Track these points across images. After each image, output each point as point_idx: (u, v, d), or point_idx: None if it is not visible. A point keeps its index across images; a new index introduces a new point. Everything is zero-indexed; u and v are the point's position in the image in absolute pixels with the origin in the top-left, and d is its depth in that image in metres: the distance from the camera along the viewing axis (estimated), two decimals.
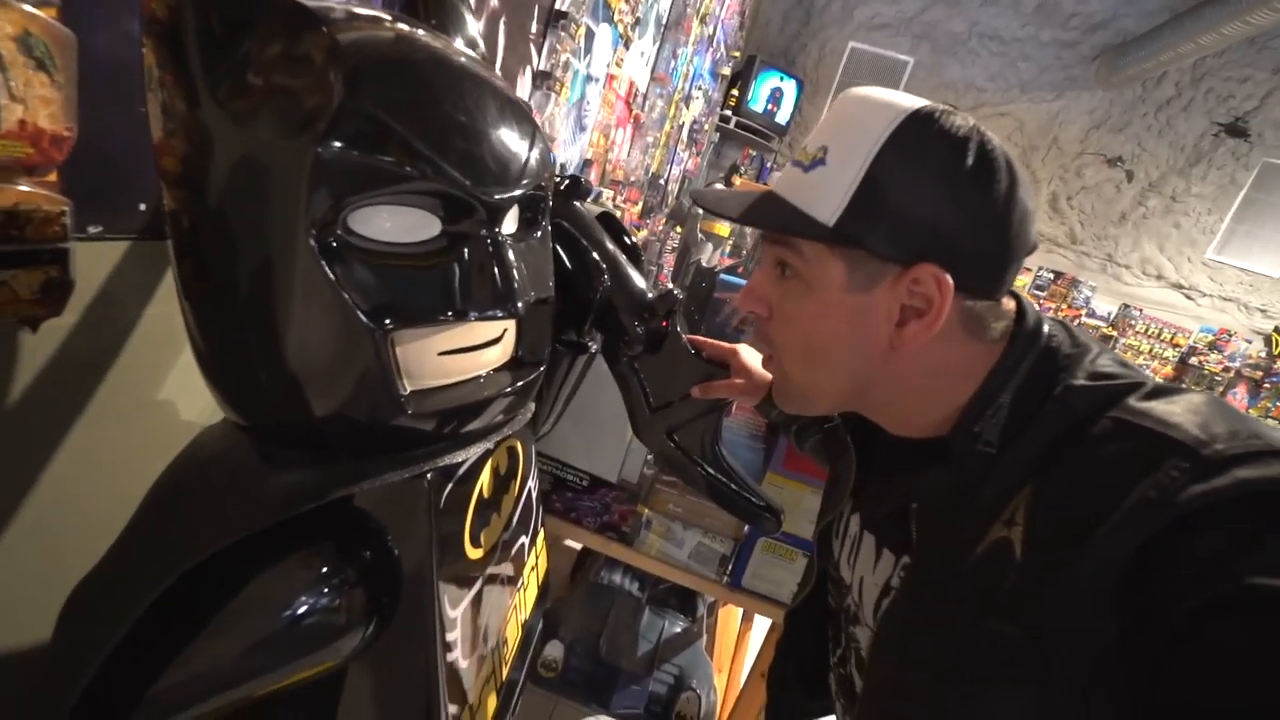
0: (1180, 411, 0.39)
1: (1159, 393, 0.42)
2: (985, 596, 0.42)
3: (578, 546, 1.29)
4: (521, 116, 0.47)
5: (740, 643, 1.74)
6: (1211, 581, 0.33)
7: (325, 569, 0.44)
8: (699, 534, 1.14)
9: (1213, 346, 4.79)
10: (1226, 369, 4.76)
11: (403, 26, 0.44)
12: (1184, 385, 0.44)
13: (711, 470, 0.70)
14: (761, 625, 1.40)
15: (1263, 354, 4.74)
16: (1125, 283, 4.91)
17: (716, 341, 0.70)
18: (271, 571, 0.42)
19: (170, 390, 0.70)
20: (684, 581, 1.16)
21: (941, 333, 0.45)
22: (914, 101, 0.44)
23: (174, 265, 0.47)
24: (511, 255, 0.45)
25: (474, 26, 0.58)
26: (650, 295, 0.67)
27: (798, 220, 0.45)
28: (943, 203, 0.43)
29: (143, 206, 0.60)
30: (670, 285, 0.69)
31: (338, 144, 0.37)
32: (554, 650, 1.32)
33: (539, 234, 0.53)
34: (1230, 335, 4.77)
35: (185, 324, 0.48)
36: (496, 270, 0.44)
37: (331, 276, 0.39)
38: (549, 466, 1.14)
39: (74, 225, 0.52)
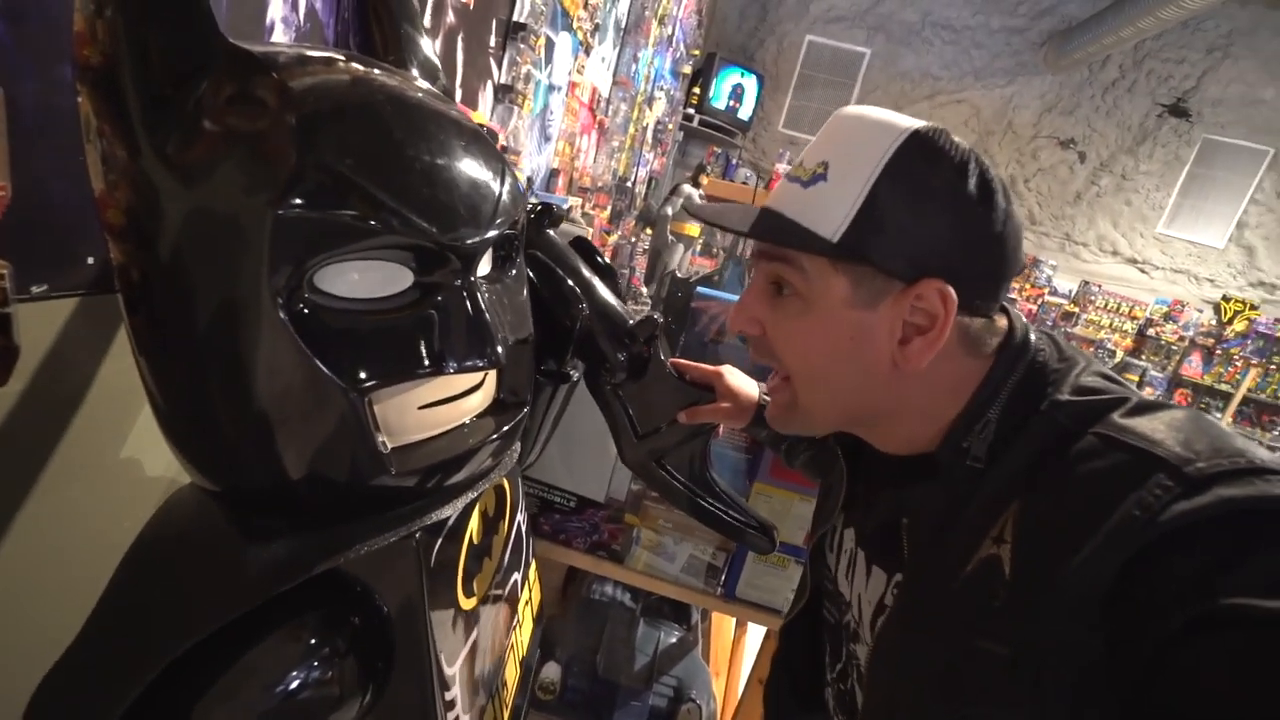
0: (1163, 428, 0.40)
1: (1142, 409, 0.42)
2: (976, 615, 0.43)
3: (565, 563, 1.28)
4: (489, 153, 0.45)
5: (736, 646, 1.74)
6: (1193, 600, 0.34)
7: (313, 640, 0.42)
8: (690, 547, 1.13)
9: (1168, 317, 4.98)
10: (1181, 338, 4.96)
11: (356, 66, 0.43)
12: (1163, 400, 0.45)
13: (702, 494, 0.69)
14: (757, 628, 1.40)
15: (1213, 322, 4.95)
16: (1084, 260, 5.08)
17: (701, 365, 0.69)
18: (257, 650, 0.40)
19: (133, 448, 0.66)
20: (677, 595, 1.15)
21: (944, 349, 0.45)
22: (913, 121, 0.45)
23: (126, 321, 0.44)
24: (487, 302, 0.44)
25: (431, 52, 0.56)
26: (630, 321, 0.66)
27: (802, 235, 0.45)
28: (947, 221, 0.43)
29: (90, 260, 0.57)
30: (651, 310, 0.68)
31: (297, 202, 0.35)
32: (551, 672, 1.30)
33: (514, 271, 0.52)
34: (1183, 306, 4.97)
35: (143, 382, 0.46)
36: (474, 319, 0.42)
37: (300, 342, 0.37)
38: (535, 490, 1.12)
39: (14, 288, 0.49)
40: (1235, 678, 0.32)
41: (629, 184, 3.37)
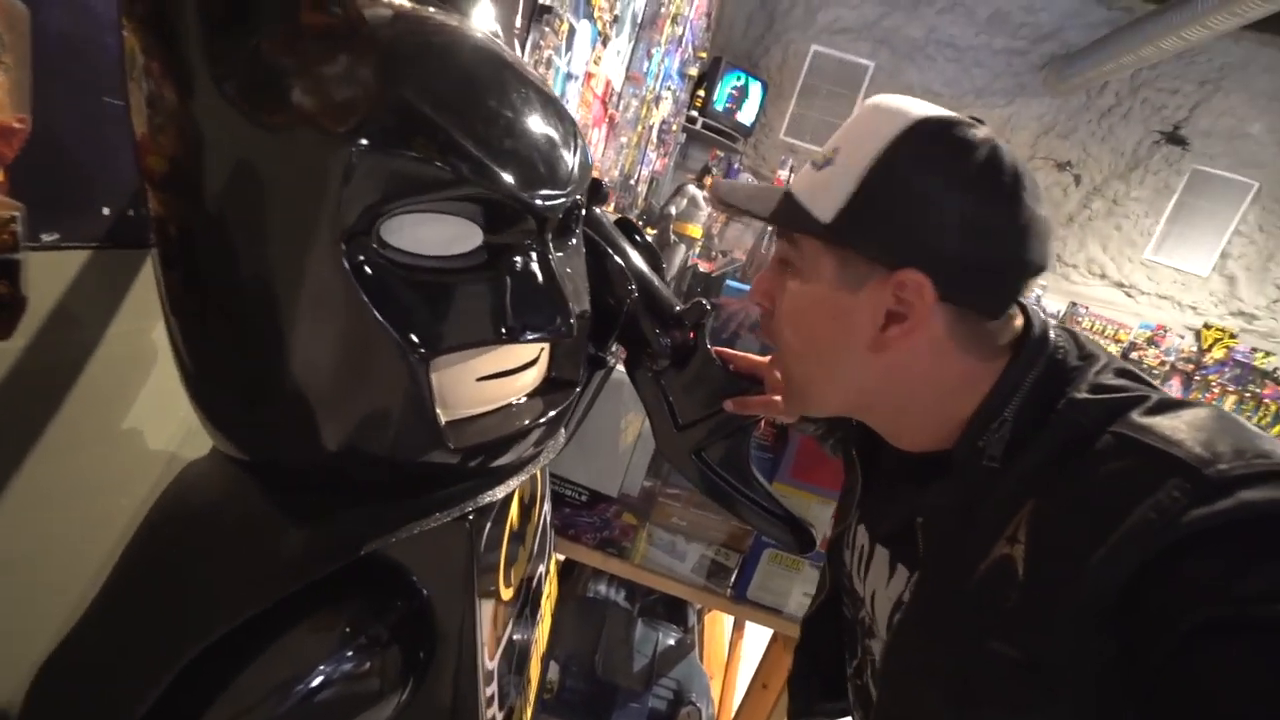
0: (1184, 428, 0.38)
1: (1164, 407, 0.41)
2: (989, 616, 0.42)
3: (561, 557, 1.24)
4: (563, 114, 0.42)
5: (733, 650, 1.72)
6: (1207, 605, 0.33)
7: (350, 628, 0.38)
8: (701, 546, 1.11)
9: (1150, 342, 5.08)
10: (1163, 363, 5.06)
11: (432, 7, 0.39)
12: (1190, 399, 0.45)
13: (742, 489, 0.67)
14: (756, 632, 1.38)
15: (1193, 349, 5.06)
16: (1073, 281, 5.16)
17: (748, 355, 0.67)
18: (291, 636, 0.36)
19: (138, 417, 0.62)
20: (687, 595, 1.12)
21: (933, 344, 0.45)
22: (927, 111, 0.45)
23: (159, 277, 0.40)
24: (559, 268, 0.41)
25: (492, 17, 0.53)
26: (678, 306, 0.63)
27: (799, 216, 0.47)
28: (935, 212, 0.43)
29: (106, 210, 0.53)
30: (699, 297, 0.66)
31: (375, 142, 0.32)
32: (550, 671, 1.27)
33: (574, 242, 0.49)
34: (1166, 331, 5.07)
35: (172, 344, 0.42)
36: (547, 285, 0.39)
37: (364, 296, 0.34)
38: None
39: (26, 233, 0.45)
40: (1249, 684, 0.31)
41: (632, 182, 3.34)
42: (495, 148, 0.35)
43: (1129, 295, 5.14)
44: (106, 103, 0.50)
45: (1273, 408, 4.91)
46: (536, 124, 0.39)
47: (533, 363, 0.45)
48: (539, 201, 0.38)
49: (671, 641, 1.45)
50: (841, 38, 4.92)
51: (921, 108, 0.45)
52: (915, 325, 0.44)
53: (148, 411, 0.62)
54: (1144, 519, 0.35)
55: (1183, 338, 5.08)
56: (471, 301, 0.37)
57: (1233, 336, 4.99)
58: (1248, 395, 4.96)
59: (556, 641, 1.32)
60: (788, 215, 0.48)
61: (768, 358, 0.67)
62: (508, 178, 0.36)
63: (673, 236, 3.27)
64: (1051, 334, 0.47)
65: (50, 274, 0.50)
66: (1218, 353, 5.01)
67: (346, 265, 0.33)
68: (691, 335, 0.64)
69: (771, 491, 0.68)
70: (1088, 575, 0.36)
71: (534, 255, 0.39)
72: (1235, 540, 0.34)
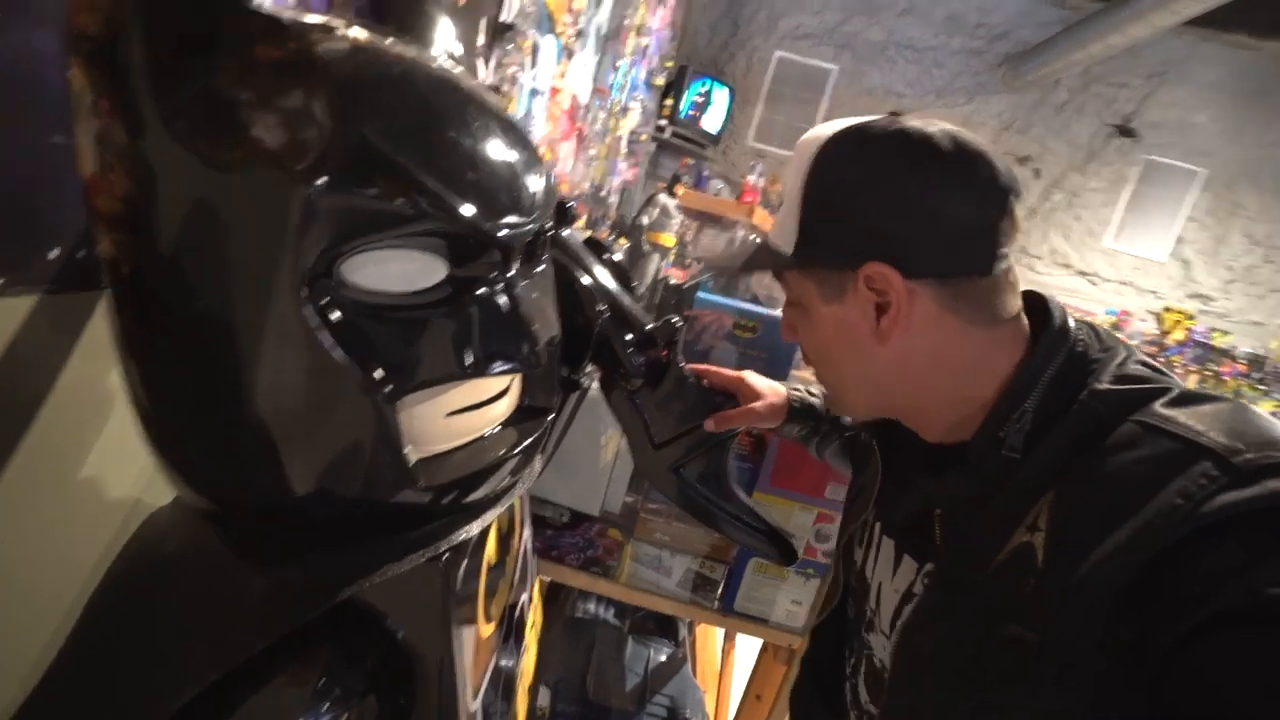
0: (1209, 418, 0.39)
1: (1186, 399, 0.42)
2: (1006, 602, 0.42)
3: (546, 578, 1.22)
4: (525, 142, 0.42)
5: (725, 661, 1.71)
6: (1227, 591, 0.33)
7: (324, 681, 0.37)
8: (687, 560, 1.10)
9: (1115, 327, 5.24)
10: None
11: (387, 40, 0.39)
12: (1212, 392, 0.45)
13: (722, 504, 0.67)
14: (747, 643, 1.38)
15: (1156, 331, 5.23)
16: (1038, 272, 5.29)
17: (722, 370, 0.67)
18: (264, 694, 0.35)
19: (95, 465, 0.59)
20: (674, 611, 1.12)
21: (930, 320, 0.46)
22: (842, 125, 0.48)
23: (114, 320, 0.39)
24: (525, 298, 0.40)
25: (454, 36, 0.52)
26: (649, 325, 0.63)
27: (769, 256, 0.52)
28: (862, 205, 0.46)
29: (53, 254, 0.51)
30: (670, 315, 0.66)
31: (330, 180, 0.31)
32: (540, 696, 1.24)
33: (540, 268, 0.48)
34: (1129, 316, 5.22)
35: (129, 389, 0.40)
36: (513, 317, 0.39)
37: (326, 339, 0.33)
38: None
39: None
40: (1252, 676, 0.31)
41: (603, 193, 3.35)
42: (456, 180, 0.35)
43: (1092, 283, 5.29)
44: (51, 143, 0.49)
45: (1232, 384, 5.09)
46: (497, 152, 0.38)
47: (504, 393, 0.44)
48: (503, 232, 0.37)
49: (663, 657, 1.44)
50: (804, 43, 5.00)
51: (836, 125, 0.48)
52: (900, 308, 0.46)
53: (106, 460, 0.60)
54: (1169, 504, 0.35)
55: (1145, 321, 5.24)
56: (437, 337, 0.36)
57: (1190, 318, 5.17)
58: (1209, 374, 5.13)
59: (545, 665, 1.30)
60: (759, 259, 0.53)
61: (742, 371, 0.68)
62: (469, 210, 0.35)
63: (646, 246, 3.28)
64: (1071, 324, 0.48)
65: None
66: (1178, 334, 5.18)
67: (308, 309, 0.32)
68: (664, 353, 0.64)
69: (752, 505, 0.68)
70: (1109, 558, 0.37)
71: (500, 286, 0.39)
72: (1258, 529, 0.34)
